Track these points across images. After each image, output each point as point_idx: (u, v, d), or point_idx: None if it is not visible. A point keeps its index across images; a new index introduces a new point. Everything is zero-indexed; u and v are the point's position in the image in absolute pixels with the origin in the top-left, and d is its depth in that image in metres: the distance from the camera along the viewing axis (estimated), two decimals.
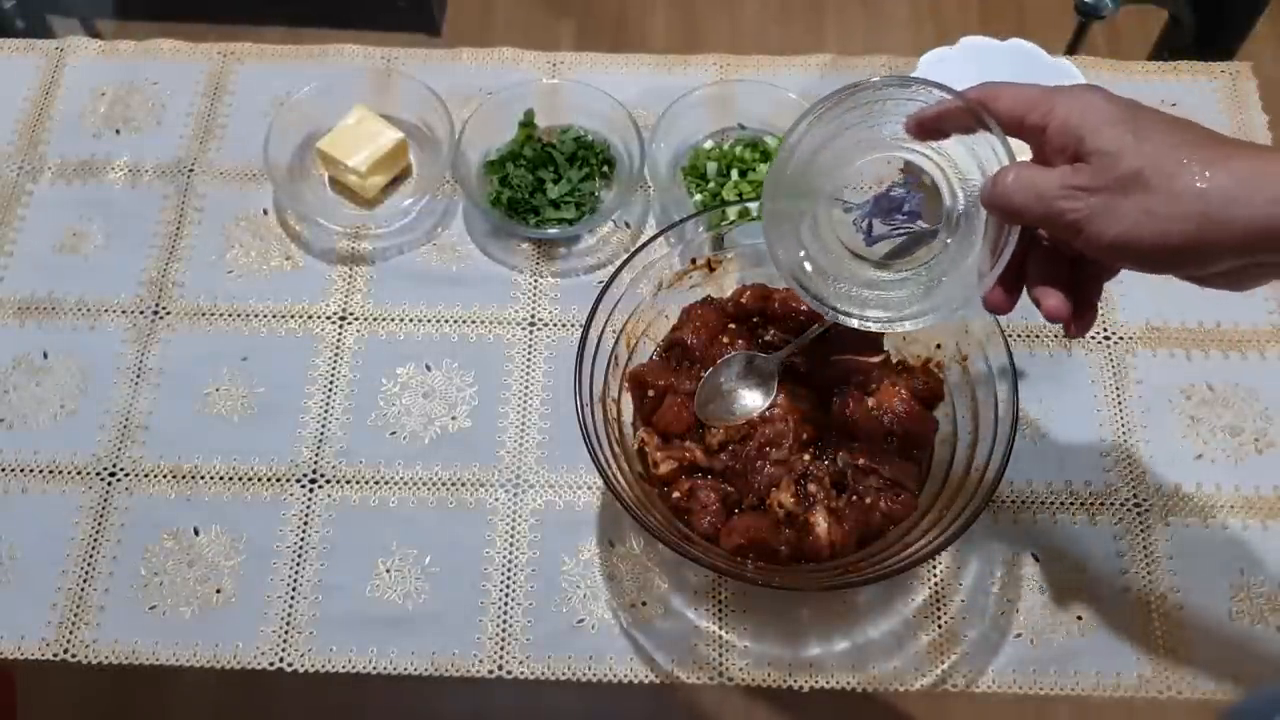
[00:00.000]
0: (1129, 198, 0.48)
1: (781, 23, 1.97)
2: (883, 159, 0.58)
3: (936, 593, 0.75)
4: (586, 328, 0.70)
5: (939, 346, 0.75)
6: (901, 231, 0.59)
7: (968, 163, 0.56)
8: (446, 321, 0.85)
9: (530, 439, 0.80)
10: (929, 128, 0.55)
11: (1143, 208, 0.48)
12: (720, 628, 0.74)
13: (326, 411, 0.81)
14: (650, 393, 0.74)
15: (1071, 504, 0.78)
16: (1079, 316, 0.55)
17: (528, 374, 0.83)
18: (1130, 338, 0.84)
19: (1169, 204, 0.47)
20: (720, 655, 0.73)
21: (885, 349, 0.76)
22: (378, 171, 0.88)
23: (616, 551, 0.76)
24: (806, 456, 0.71)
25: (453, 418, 0.81)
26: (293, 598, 0.75)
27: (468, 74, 0.97)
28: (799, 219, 0.62)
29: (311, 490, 0.78)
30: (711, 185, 0.88)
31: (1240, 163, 0.47)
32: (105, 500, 0.78)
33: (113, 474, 0.79)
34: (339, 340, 0.84)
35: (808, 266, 0.62)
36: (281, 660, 0.73)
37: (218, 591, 0.75)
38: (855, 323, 0.62)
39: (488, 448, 0.80)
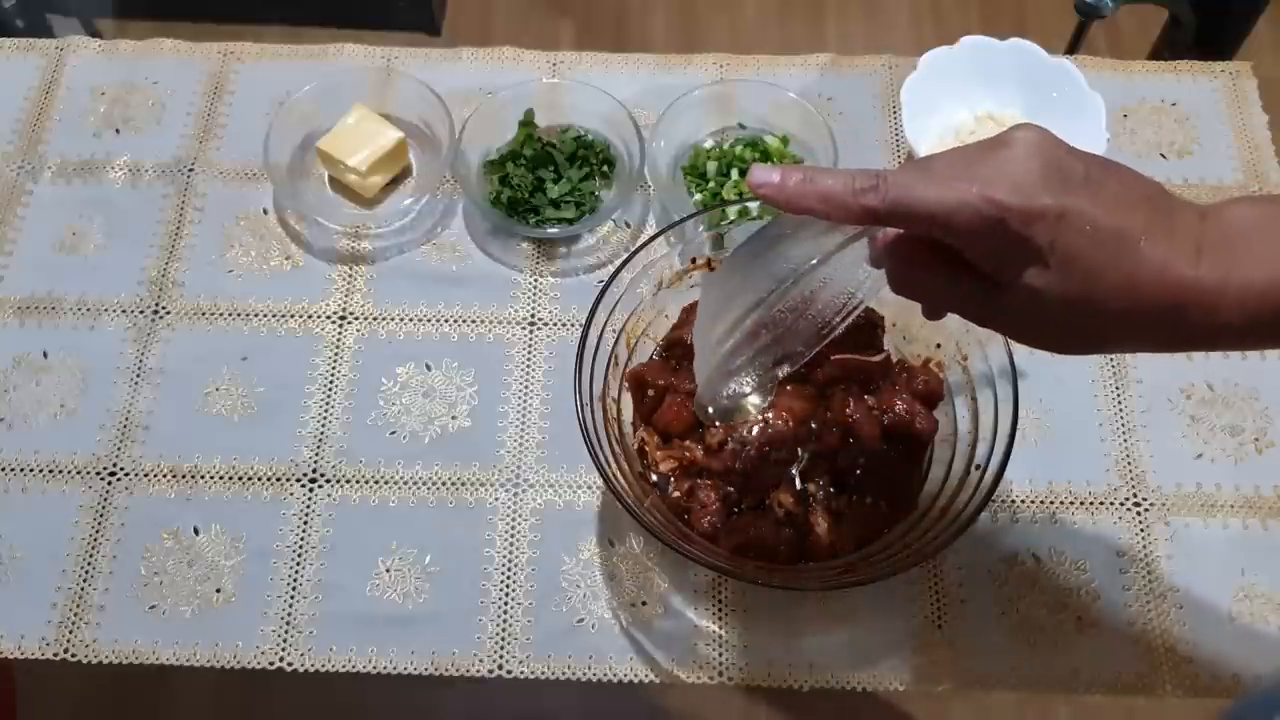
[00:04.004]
0: (1035, 333, 0.48)
1: (781, 23, 1.97)
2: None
3: (936, 593, 0.75)
4: (586, 327, 0.70)
5: (939, 346, 0.75)
6: None
7: None
8: (446, 321, 0.85)
9: (530, 439, 0.80)
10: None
11: (1047, 343, 0.48)
12: (720, 627, 0.74)
13: (326, 411, 0.81)
14: (650, 392, 0.74)
15: (1071, 504, 0.78)
16: None
17: (528, 374, 0.83)
18: None
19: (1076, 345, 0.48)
20: (720, 655, 0.73)
21: (885, 349, 0.76)
22: (378, 171, 0.88)
23: (616, 551, 0.76)
24: (807, 456, 0.71)
25: (453, 417, 0.81)
26: (293, 597, 0.75)
27: (468, 74, 0.97)
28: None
29: (311, 490, 0.78)
30: (711, 185, 0.88)
31: (1118, 279, 0.44)
32: (105, 500, 0.78)
33: (113, 474, 0.79)
34: (339, 340, 0.84)
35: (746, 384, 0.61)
36: (281, 660, 0.73)
37: (218, 591, 0.75)
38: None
39: (488, 447, 0.80)
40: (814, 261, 0.48)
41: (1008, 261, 0.45)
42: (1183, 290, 0.44)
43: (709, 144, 0.91)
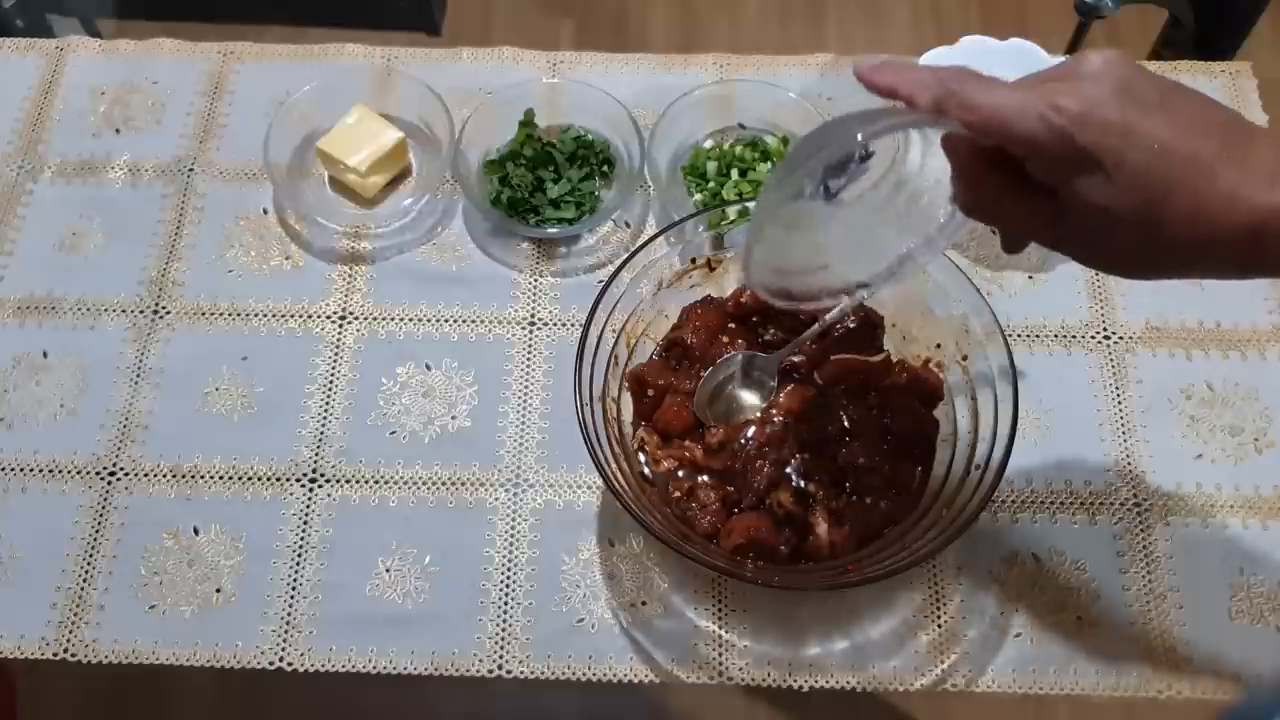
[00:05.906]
0: (1103, 255, 0.48)
1: (781, 23, 1.97)
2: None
3: (936, 593, 0.75)
4: (586, 327, 0.70)
5: (939, 346, 0.75)
6: (859, 173, 0.58)
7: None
8: (446, 321, 0.85)
9: (530, 439, 0.80)
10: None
11: (1118, 266, 0.48)
12: (720, 627, 0.74)
13: (326, 411, 0.81)
14: (650, 392, 0.74)
15: (1071, 504, 0.78)
16: None
17: (528, 374, 0.83)
18: (1130, 338, 0.84)
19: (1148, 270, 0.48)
20: (720, 655, 0.73)
21: (885, 349, 0.76)
22: (378, 171, 0.88)
23: (616, 551, 0.76)
24: (807, 456, 0.71)
25: (453, 417, 0.81)
26: (293, 597, 0.75)
27: (468, 74, 0.97)
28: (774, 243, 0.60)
29: (311, 490, 0.78)
30: (711, 185, 0.88)
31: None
32: (105, 500, 0.78)
33: (113, 474, 0.79)
34: (339, 340, 0.84)
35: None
36: (281, 660, 0.73)
37: (218, 591, 0.75)
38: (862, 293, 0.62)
39: (488, 447, 0.80)
40: (885, 127, 0.49)
41: (1072, 175, 0.45)
42: (1258, 216, 0.44)
43: (709, 144, 0.91)
